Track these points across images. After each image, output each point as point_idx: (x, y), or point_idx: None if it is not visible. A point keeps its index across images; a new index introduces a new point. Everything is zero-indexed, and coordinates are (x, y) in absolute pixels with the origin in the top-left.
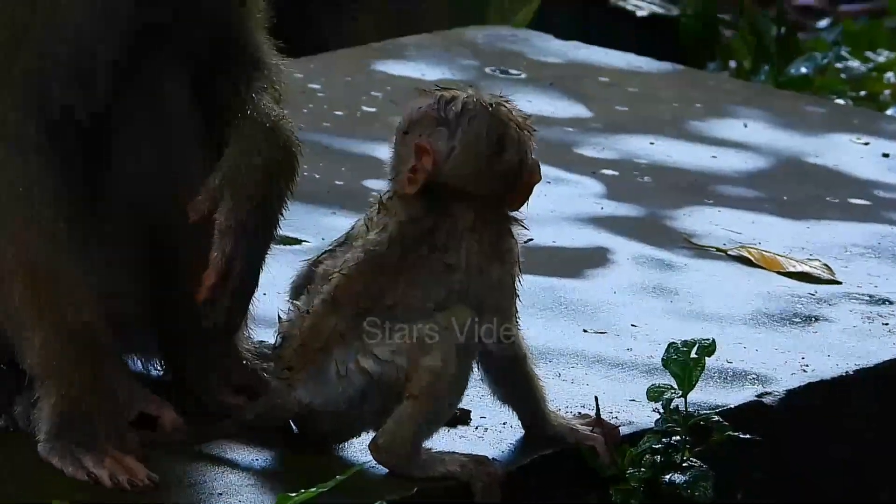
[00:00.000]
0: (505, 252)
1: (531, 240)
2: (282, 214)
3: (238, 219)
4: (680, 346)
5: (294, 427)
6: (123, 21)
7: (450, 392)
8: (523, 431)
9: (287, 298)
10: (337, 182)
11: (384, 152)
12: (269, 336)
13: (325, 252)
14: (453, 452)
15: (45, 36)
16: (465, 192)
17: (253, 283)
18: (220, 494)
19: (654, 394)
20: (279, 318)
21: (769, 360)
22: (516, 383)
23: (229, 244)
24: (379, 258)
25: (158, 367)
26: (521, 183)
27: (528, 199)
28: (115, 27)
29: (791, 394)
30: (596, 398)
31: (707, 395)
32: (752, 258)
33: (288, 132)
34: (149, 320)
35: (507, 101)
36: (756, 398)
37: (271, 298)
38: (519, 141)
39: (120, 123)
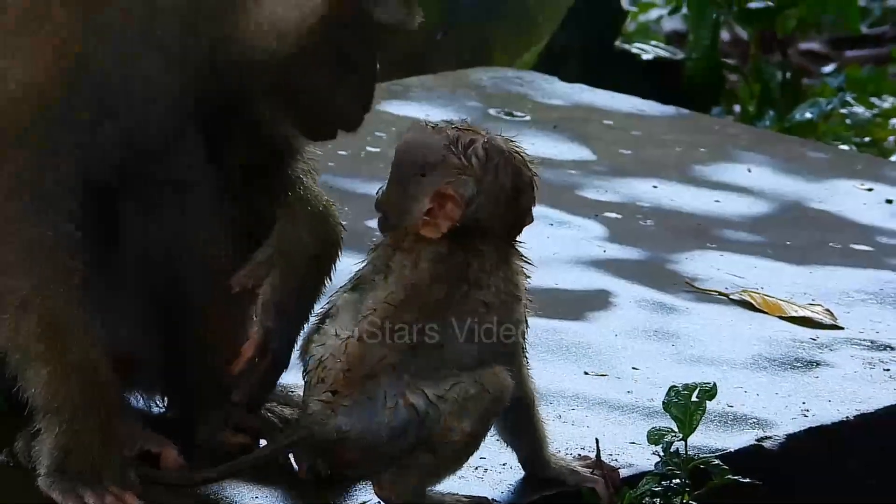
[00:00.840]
0: (521, 290)
1: (528, 278)
2: (320, 296)
3: (282, 297)
4: (681, 389)
5: (296, 463)
6: (171, 107)
7: (473, 451)
8: (523, 472)
9: (297, 359)
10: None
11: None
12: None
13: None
14: (454, 494)
15: (108, 113)
16: (482, 231)
17: (286, 361)
18: None
19: (654, 437)
20: (308, 342)
21: (770, 404)
22: (520, 425)
23: (271, 321)
24: (425, 295)
25: (160, 405)
26: (528, 219)
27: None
28: (162, 110)
29: (791, 438)
30: (597, 440)
31: (707, 438)
32: (754, 302)
33: (335, 217)
34: (154, 361)
35: (517, 144)
36: (756, 442)
37: None
38: (531, 185)
39: (139, 188)
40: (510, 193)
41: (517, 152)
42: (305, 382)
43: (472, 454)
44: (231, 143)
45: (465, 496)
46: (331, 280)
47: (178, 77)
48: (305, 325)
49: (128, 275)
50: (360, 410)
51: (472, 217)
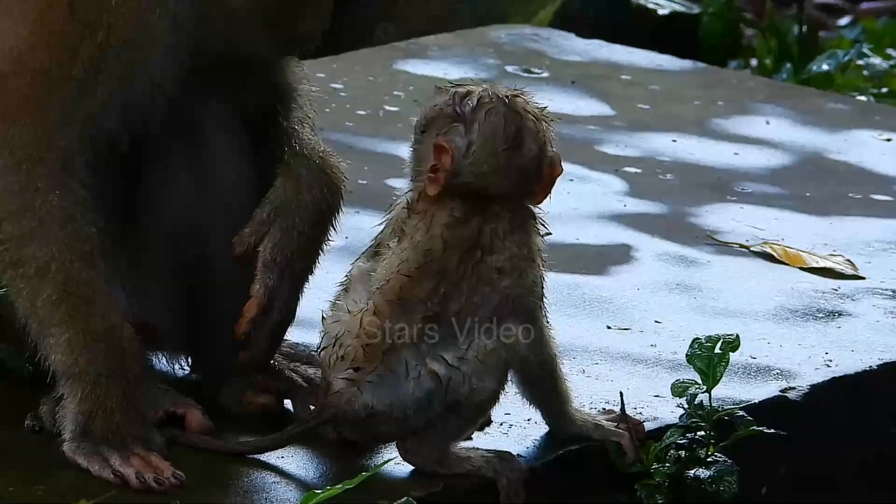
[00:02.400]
0: (536, 251)
1: (549, 234)
2: (322, 251)
3: (284, 254)
4: (704, 341)
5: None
6: (183, 64)
7: (492, 407)
8: (548, 428)
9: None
10: (360, 181)
11: (407, 151)
12: (300, 337)
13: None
14: (478, 449)
15: (118, 76)
16: (490, 193)
17: (290, 318)
18: (247, 492)
19: (678, 389)
20: (323, 318)
21: (793, 355)
22: (544, 383)
23: (272, 279)
24: (438, 262)
25: (184, 366)
26: (542, 176)
27: (550, 193)
28: (176, 69)
29: (815, 389)
30: (621, 394)
31: (731, 390)
32: (776, 254)
33: (334, 168)
34: (177, 324)
35: (522, 94)
36: (780, 393)
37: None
38: (537, 133)
39: (159, 155)
40: (509, 140)
41: (519, 98)
42: (322, 359)
43: (493, 408)
44: (233, 94)
45: (491, 451)
46: (335, 231)
47: (176, 32)
48: (308, 280)
49: (148, 242)
50: (385, 385)
51: (471, 171)
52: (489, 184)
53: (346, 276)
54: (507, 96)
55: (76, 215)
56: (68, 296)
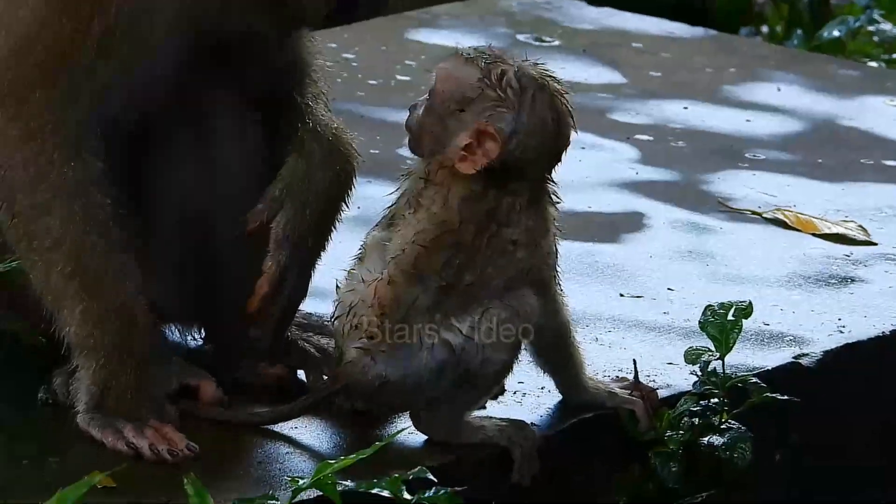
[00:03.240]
0: (550, 221)
1: (560, 202)
2: (335, 227)
3: (296, 230)
4: (717, 308)
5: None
6: (188, 41)
7: (505, 377)
8: (561, 396)
9: None
10: (372, 151)
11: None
12: (314, 307)
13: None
14: (492, 418)
15: (127, 53)
16: (525, 174)
17: (302, 295)
18: (260, 463)
19: (691, 356)
20: (337, 287)
21: (805, 321)
22: (557, 352)
23: (285, 255)
24: (454, 235)
25: (197, 337)
26: None
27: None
28: (181, 47)
29: (828, 355)
30: (634, 361)
31: (744, 357)
32: (788, 220)
33: (347, 145)
34: (189, 296)
35: (549, 72)
36: (793, 360)
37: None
38: (570, 115)
39: (166, 134)
40: (550, 125)
41: (552, 79)
42: (336, 329)
43: (507, 377)
44: (241, 71)
45: (504, 420)
46: (347, 208)
47: (179, 9)
48: (321, 256)
49: (156, 222)
50: (398, 355)
51: (511, 154)
52: (527, 167)
53: (361, 246)
54: (542, 78)
55: (91, 187)
56: (83, 269)
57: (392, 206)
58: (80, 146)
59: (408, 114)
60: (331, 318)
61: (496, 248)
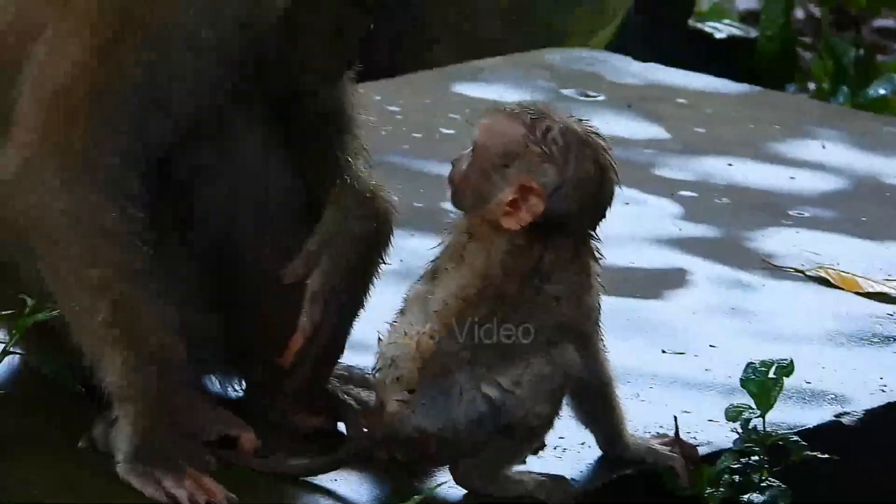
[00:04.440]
0: (593, 277)
1: (602, 257)
2: (373, 284)
3: (331, 286)
4: (758, 366)
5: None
6: (229, 77)
7: (549, 430)
8: (602, 452)
9: None
10: (416, 204)
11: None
12: (355, 360)
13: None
14: (531, 472)
15: (164, 87)
16: (569, 228)
17: (339, 351)
18: None
19: (732, 414)
20: (379, 340)
21: (847, 380)
22: (598, 407)
23: (318, 311)
24: (496, 289)
25: (237, 388)
26: None
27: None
28: (222, 83)
29: (870, 414)
30: (675, 418)
31: (785, 415)
32: (831, 279)
33: (385, 201)
34: (225, 345)
35: (593, 128)
36: (834, 418)
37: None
38: (614, 171)
39: (201, 171)
40: (594, 181)
41: (595, 135)
42: (377, 381)
43: (548, 432)
44: (283, 115)
45: (544, 475)
46: (385, 263)
47: (220, 49)
48: (360, 309)
49: (191, 257)
50: (437, 407)
51: (555, 210)
52: (571, 221)
53: (404, 299)
54: (586, 133)
55: (130, 236)
56: (121, 318)
57: (435, 259)
58: (120, 193)
59: (451, 167)
60: (372, 370)
61: (539, 302)
